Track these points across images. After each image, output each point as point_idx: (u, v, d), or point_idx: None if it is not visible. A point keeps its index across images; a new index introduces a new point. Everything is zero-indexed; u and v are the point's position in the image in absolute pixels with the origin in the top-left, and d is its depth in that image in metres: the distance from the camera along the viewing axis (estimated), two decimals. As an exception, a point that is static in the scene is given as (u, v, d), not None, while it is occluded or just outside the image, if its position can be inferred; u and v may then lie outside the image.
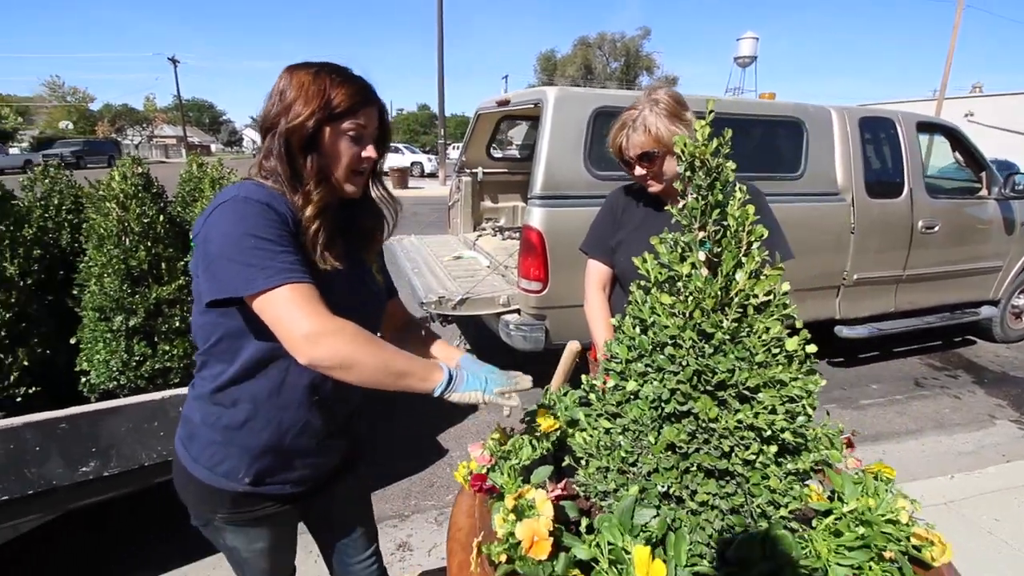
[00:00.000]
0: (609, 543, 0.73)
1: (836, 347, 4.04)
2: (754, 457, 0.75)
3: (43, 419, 1.48)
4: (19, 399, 1.58)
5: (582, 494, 0.91)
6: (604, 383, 0.92)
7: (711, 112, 0.81)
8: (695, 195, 0.80)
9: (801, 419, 0.77)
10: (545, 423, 1.00)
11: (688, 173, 0.81)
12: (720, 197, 0.79)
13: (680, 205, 0.82)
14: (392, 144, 1.09)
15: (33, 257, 1.96)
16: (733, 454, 0.76)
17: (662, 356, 0.81)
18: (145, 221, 1.63)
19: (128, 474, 1.63)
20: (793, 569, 0.70)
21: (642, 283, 0.88)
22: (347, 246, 0.96)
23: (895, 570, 0.74)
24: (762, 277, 0.79)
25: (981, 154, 3.94)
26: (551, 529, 0.72)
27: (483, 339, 3.95)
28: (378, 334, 1.04)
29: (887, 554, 0.74)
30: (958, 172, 4.21)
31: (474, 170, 4.09)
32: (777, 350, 0.78)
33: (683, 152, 0.80)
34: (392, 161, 19.94)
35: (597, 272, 1.53)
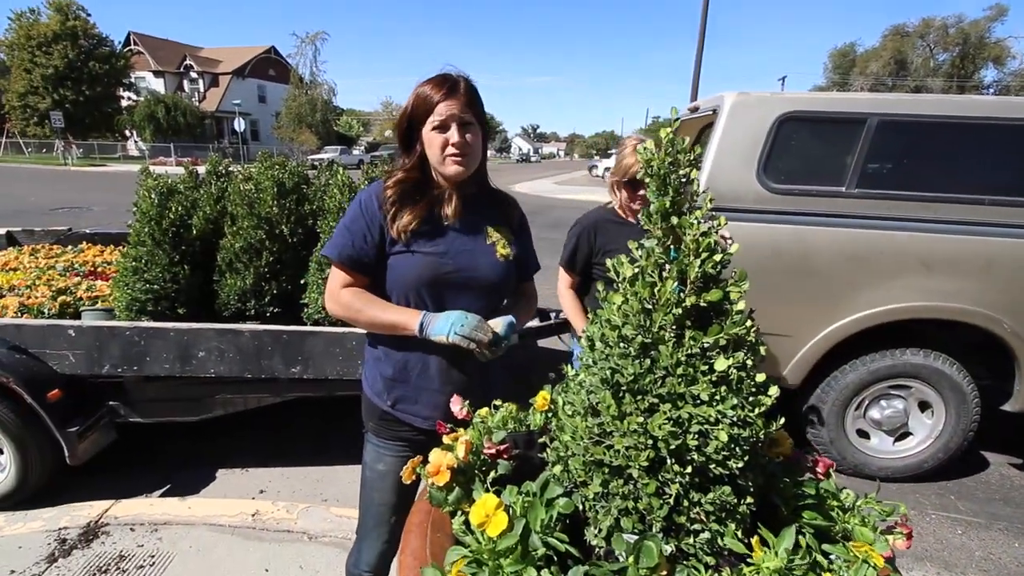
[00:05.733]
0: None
1: None
2: (647, 465, 0.74)
3: (274, 330, 2.19)
4: (268, 315, 2.37)
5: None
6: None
7: (676, 120, 0.80)
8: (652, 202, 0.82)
9: (715, 444, 0.73)
10: (540, 400, 1.10)
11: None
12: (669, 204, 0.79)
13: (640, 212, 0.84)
14: None
15: (305, 224, 2.82)
16: (631, 458, 0.76)
17: (596, 351, 0.85)
18: (351, 202, 2.24)
19: (318, 381, 2.27)
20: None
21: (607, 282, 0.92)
22: (469, 219, 1.22)
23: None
24: (710, 288, 0.76)
25: None
26: (455, 467, 0.85)
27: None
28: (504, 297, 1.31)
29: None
30: None
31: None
32: (706, 367, 0.75)
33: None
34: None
35: None
